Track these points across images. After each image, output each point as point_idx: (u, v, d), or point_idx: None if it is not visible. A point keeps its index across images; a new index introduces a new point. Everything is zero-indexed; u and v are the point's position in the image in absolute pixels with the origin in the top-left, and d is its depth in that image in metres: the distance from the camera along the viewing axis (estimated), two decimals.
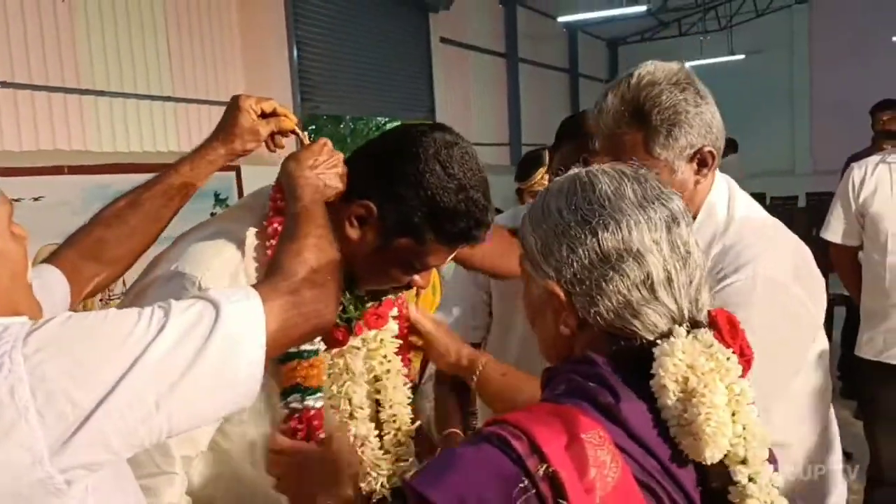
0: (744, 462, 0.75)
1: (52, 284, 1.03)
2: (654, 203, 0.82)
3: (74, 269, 1.07)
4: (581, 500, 0.67)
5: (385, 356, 1.18)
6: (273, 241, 1.05)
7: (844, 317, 4.89)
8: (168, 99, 6.14)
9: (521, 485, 0.68)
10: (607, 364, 0.79)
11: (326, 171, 1.06)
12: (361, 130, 13.05)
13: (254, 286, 0.88)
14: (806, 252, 1.34)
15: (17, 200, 1.01)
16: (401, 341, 1.22)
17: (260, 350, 0.81)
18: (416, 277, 1.10)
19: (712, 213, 1.34)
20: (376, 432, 1.17)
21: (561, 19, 10.95)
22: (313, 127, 11.69)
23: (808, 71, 13.57)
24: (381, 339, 1.19)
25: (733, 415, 0.75)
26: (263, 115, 1.14)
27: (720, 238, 1.32)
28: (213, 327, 0.78)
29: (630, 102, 1.25)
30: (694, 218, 1.30)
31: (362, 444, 1.15)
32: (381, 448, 1.18)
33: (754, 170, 13.24)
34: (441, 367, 1.35)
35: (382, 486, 1.16)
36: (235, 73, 6.86)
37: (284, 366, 1.03)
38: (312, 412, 1.04)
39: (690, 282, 0.81)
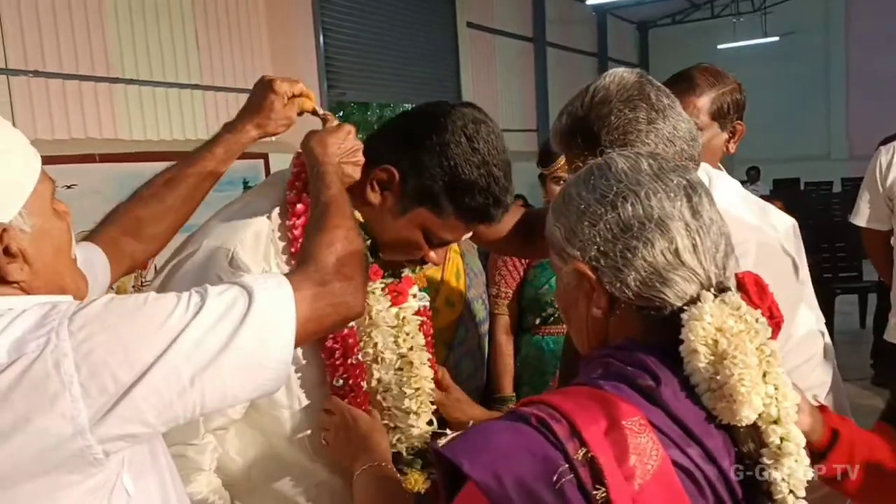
0: (776, 422, 0.75)
1: (93, 261, 1.06)
2: (670, 173, 0.83)
3: (114, 246, 1.11)
4: (620, 488, 0.66)
5: (408, 333, 1.20)
6: (298, 220, 1.08)
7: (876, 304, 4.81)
8: (196, 87, 6.19)
9: (559, 470, 0.66)
10: (644, 347, 0.78)
11: (348, 160, 1.08)
12: (388, 117, 13.10)
13: (286, 275, 0.90)
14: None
15: None
16: (422, 318, 1.23)
17: (290, 337, 0.84)
18: (432, 254, 1.11)
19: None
20: (396, 379, 1.17)
21: (590, 2, 10.82)
22: (341, 114, 11.72)
23: (844, 53, 13.26)
24: (403, 317, 1.20)
25: (764, 375, 0.74)
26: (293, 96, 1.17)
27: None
28: (246, 312, 0.82)
29: (580, 123, 1.23)
30: None
31: (385, 391, 1.16)
32: (405, 410, 1.18)
33: (788, 154, 13.05)
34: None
35: (407, 448, 1.18)
36: (263, 60, 6.88)
37: None
38: (346, 331, 1.08)
39: (716, 247, 0.81)
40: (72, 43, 5.18)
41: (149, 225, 1.13)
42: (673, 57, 8.92)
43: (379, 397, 1.18)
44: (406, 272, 1.23)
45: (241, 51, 6.64)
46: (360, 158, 1.10)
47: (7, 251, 0.80)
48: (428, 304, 1.27)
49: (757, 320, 0.76)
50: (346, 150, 1.08)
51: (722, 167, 1.63)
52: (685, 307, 0.78)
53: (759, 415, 0.75)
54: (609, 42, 12.84)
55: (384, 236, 1.11)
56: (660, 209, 0.79)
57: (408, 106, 11.87)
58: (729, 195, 1.37)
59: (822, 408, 0.96)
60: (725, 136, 1.63)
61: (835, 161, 12.63)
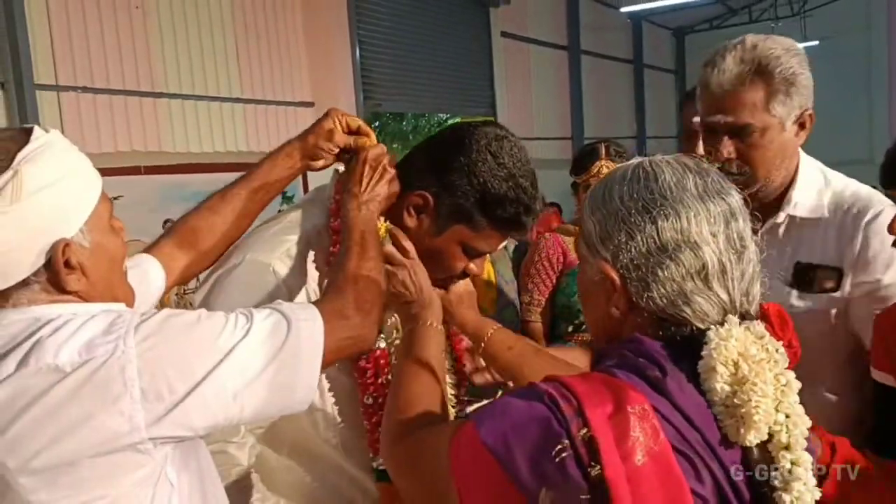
0: (787, 448, 0.78)
1: (150, 273, 1.14)
2: (714, 197, 0.84)
3: (171, 258, 1.18)
4: (615, 467, 0.71)
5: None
6: (335, 237, 1.14)
7: None
8: (237, 100, 6.34)
9: (561, 444, 0.72)
10: (655, 344, 0.82)
11: (375, 187, 1.13)
12: (423, 127, 13.13)
13: (315, 304, 0.99)
14: None
15: None
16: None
17: (318, 365, 0.94)
18: (471, 265, 1.17)
19: (811, 167, 1.44)
20: None
21: (625, 9, 10.78)
22: (377, 124, 11.82)
23: (887, 56, 12.98)
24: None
25: (778, 404, 0.78)
26: (350, 132, 1.19)
27: (827, 187, 1.42)
28: (285, 340, 0.91)
29: (752, 62, 1.32)
30: (791, 178, 1.42)
31: None
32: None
33: (829, 158, 12.69)
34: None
35: None
36: (301, 73, 7.02)
37: None
38: (378, 352, 1.14)
39: (743, 275, 0.83)
40: (118, 60, 5.37)
41: (204, 237, 1.19)
42: None
43: None
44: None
45: (279, 64, 6.79)
46: (390, 174, 1.15)
47: (67, 263, 0.88)
48: None
49: (777, 350, 0.80)
50: (369, 182, 1.13)
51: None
52: (711, 327, 0.81)
53: (770, 438, 0.79)
54: (645, 49, 12.77)
55: (424, 257, 1.15)
56: (697, 233, 0.82)
57: (443, 116, 11.95)
58: (848, 182, 1.44)
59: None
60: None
61: (877, 166, 12.34)
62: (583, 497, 0.71)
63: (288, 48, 6.87)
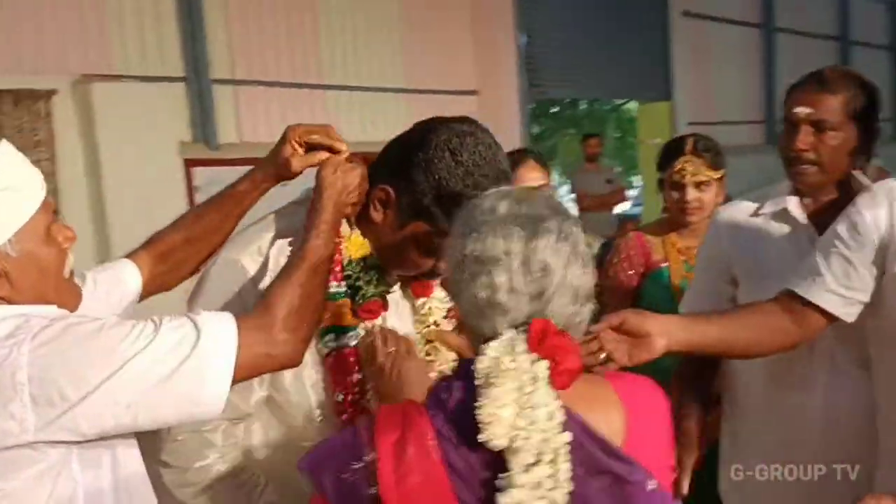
0: (516, 453, 0.84)
1: (125, 274, 1.23)
2: (522, 218, 0.91)
3: (145, 266, 1.25)
4: (388, 487, 0.84)
5: (435, 322, 1.25)
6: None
7: None
8: (401, 90, 6.47)
9: (353, 466, 0.86)
10: (463, 364, 0.95)
11: (347, 197, 1.14)
12: (597, 112, 12.69)
13: (239, 317, 1.00)
14: None
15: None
16: (449, 304, 1.26)
17: (226, 380, 0.96)
18: (442, 264, 1.10)
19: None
20: None
21: None
22: (555, 109, 11.62)
23: None
24: (430, 308, 1.26)
25: (521, 411, 0.84)
26: (310, 147, 1.22)
27: None
28: (191, 352, 0.94)
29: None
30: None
31: None
32: None
33: None
34: None
35: None
36: (466, 62, 7.03)
37: None
38: (347, 350, 1.14)
39: (541, 293, 0.89)
40: (289, 54, 5.67)
41: (177, 251, 1.26)
42: None
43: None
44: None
45: (444, 53, 6.83)
46: (355, 199, 1.17)
47: None
48: None
49: (532, 363, 0.86)
50: (349, 189, 1.15)
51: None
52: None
53: (509, 446, 0.84)
54: (852, 24, 11.44)
55: (390, 252, 1.18)
56: (492, 249, 0.89)
57: (617, 102, 11.50)
58: None
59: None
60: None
61: None
62: None
63: (453, 36, 6.90)
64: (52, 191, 3.82)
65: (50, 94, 4.45)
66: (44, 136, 4.43)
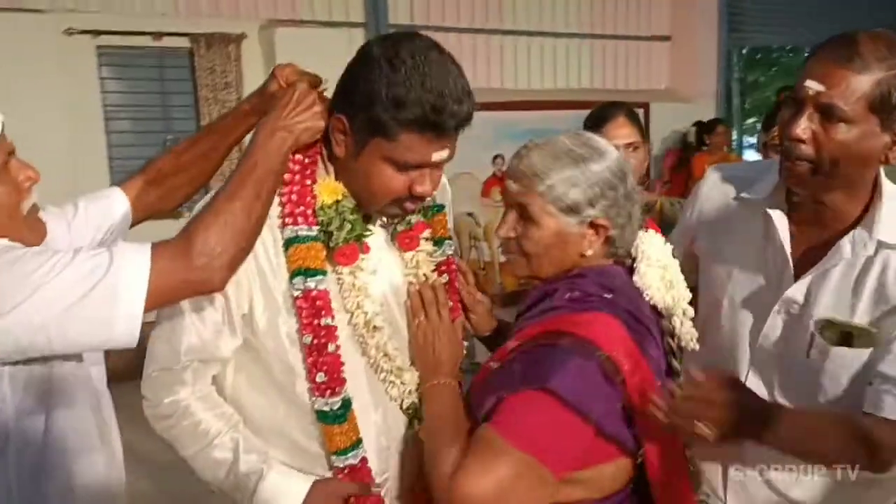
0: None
1: (114, 204, 1.30)
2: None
3: (139, 193, 1.32)
4: (630, 377, 1.01)
5: (424, 275, 1.24)
6: (285, 188, 1.15)
7: None
8: (584, 36, 6.14)
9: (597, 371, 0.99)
10: (616, 268, 1.14)
11: (296, 116, 1.12)
12: (791, 65, 11.33)
13: (154, 244, 1.02)
14: None
15: None
16: (439, 258, 1.28)
17: (138, 303, 0.98)
18: (419, 186, 1.11)
19: None
20: (396, 346, 1.21)
21: None
22: (777, 56, 10.51)
23: None
24: (417, 261, 1.24)
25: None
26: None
27: None
28: (102, 277, 0.97)
29: None
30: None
31: (385, 355, 1.19)
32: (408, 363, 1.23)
33: None
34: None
35: (410, 394, 1.22)
36: (660, 5, 6.52)
37: (287, 251, 1.13)
38: (315, 292, 1.13)
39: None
40: None
41: (170, 177, 1.32)
42: None
43: (381, 360, 1.19)
44: (416, 217, 1.24)
45: None
46: (318, 107, 1.14)
47: None
48: (452, 251, 1.30)
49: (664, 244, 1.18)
50: (292, 110, 1.13)
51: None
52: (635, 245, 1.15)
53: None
54: None
55: (360, 185, 1.15)
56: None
57: None
58: None
59: None
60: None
61: None
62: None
63: None
64: None
65: (240, 38, 4.69)
66: (233, 77, 4.68)
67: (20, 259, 0.98)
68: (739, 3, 6.55)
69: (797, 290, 1.17)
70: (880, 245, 1.12)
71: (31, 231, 1.09)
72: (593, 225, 1.08)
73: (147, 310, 0.99)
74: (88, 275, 0.97)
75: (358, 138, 1.11)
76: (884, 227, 1.11)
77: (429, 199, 1.21)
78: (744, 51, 7.45)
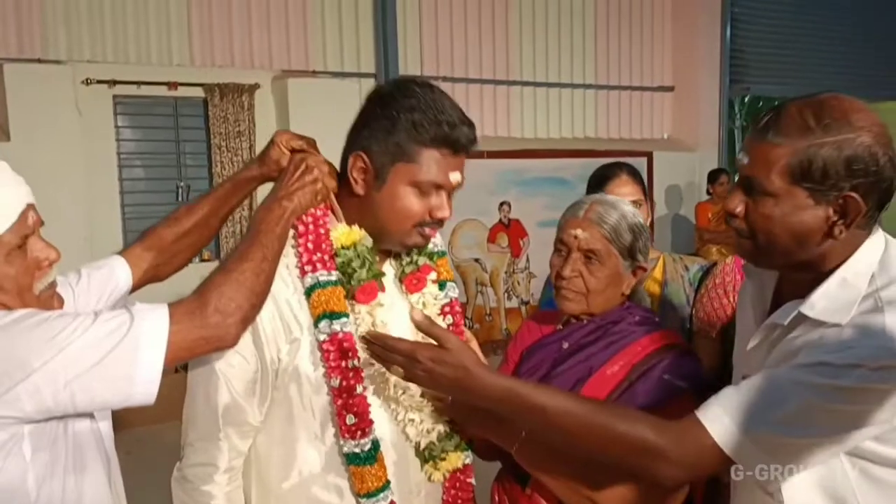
0: None
1: (115, 271, 1.34)
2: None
3: (138, 259, 1.36)
4: None
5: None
6: (301, 239, 1.21)
7: None
8: (589, 86, 6.27)
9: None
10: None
11: (295, 183, 1.19)
12: None
13: (170, 304, 1.07)
14: None
15: None
16: (444, 301, 1.31)
17: (158, 361, 1.03)
18: (437, 212, 1.17)
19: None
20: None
21: None
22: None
23: None
24: (423, 303, 1.27)
25: None
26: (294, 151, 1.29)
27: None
28: (124, 336, 1.01)
29: None
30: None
31: (403, 392, 1.21)
32: (422, 397, 1.24)
33: None
34: None
35: (428, 434, 1.24)
36: (663, 56, 6.66)
37: (309, 298, 1.17)
38: (342, 335, 1.15)
39: None
40: (478, 50, 5.69)
41: (168, 243, 1.36)
42: None
43: (401, 397, 1.21)
44: (423, 259, 1.28)
45: (639, 47, 6.53)
46: (317, 173, 1.20)
47: None
48: (456, 295, 1.33)
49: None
50: (292, 182, 1.19)
51: None
52: None
53: None
54: None
55: (384, 216, 1.18)
56: None
57: None
58: None
59: None
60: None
61: None
62: None
63: (651, 30, 6.57)
64: None
65: (253, 88, 4.80)
66: (245, 126, 4.78)
67: (45, 321, 1.02)
68: (741, 54, 6.68)
69: (754, 339, 1.13)
70: (801, 317, 1.04)
71: (38, 306, 1.12)
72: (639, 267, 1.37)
73: (169, 365, 1.03)
74: (111, 334, 1.01)
75: (379, 169, 1.17)
76: (810, 303, 1.03)
77: (431, 244, 1.28)
78: (746, 99, 7.56)
